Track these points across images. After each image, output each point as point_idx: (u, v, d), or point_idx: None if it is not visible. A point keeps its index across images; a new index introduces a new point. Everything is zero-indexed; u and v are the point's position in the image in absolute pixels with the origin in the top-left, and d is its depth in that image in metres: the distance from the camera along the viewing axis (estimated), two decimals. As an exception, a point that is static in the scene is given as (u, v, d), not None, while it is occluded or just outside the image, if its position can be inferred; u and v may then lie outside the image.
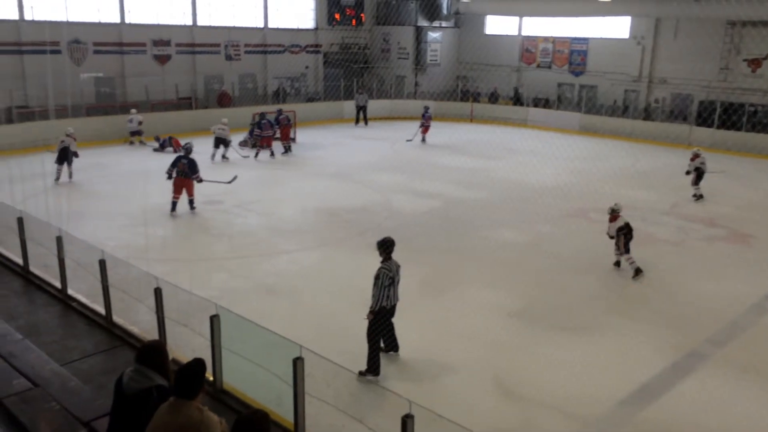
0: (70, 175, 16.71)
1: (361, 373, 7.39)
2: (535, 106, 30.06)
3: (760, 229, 14.21)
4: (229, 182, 15.35)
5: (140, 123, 22.02)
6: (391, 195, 16.36)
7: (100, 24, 24.77)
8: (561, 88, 30.51)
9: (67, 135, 16.55)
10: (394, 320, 7.77)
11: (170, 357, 4.43)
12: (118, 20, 25.22)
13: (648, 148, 23.98)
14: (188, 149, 14.34)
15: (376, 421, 5.36)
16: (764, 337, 9.07)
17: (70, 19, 23.68)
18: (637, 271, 11.05)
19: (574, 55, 30.03)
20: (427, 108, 25.22)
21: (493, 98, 31.18)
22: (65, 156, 16.36)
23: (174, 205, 14.07)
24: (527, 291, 10.48)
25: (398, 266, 7.69)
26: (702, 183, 16.56)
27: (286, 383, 5.65)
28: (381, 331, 7.54)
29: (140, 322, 7.86)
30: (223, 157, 19.94)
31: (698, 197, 16.47)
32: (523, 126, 28.26)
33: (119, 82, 25.31)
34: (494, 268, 11.48)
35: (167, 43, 26.63)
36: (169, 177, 13.99)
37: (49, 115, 20.22)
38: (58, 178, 16.45)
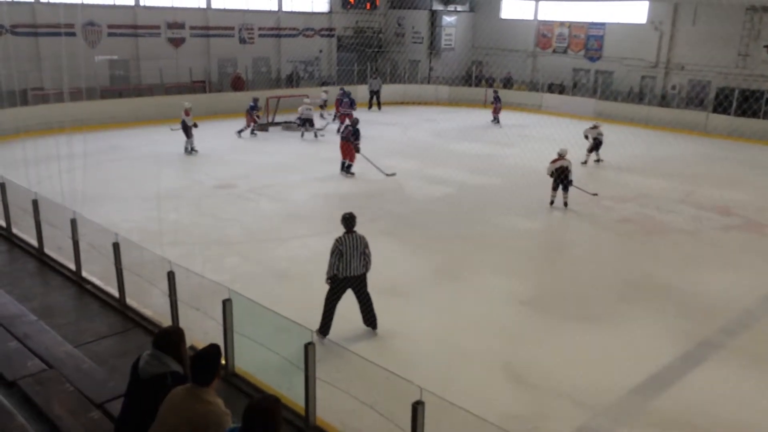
0: (188, 148, 18.54)
1: (315, 331, 7.52)
2: (550, 91, 29.76)
3: (776, 218, 14.05)
4: (387, 174, 16.29)
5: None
6: (403, 181, 16.31)
7: (114, 6, 24.80)
8: (576, 73, 30.17)
9: (184, 111, 18.40)
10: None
11: (188, 344, 4.44)
12: (132, 2, 25.22)
13: (664, 135, 23.72)
14: (356, 120, 17.32)
15: (386, 407, 5.36)
16: (778, 328, 8.99)
17: (85, 1, 23.69)
18: (551, 204, 14.15)
19: (591, 40, 29.63)
20: (495, 91, 25.98)
21: (509, 84, 30.90)
22: (185, 129, 18.41)
23: (342, 165, 16.55)
24: (539, 279, 10.45)
25: (360, 241, 7.85)
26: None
27: (298, 368, 5.68)
28: (335, 298, 7.86)
29: (153, 305, 7.92)
30: (315, 135, 21.45)
31: (598, 161, 18.71)
32: (538, 112, 28.01)
33: (133, 64, 25.36)
34: (506, 255, 11.44)
35: (181, 26, 26.61)
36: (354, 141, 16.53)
37: (64, 97, 20.31)
38: (186, 149, 18.60)
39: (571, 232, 13.40)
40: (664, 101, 27.08)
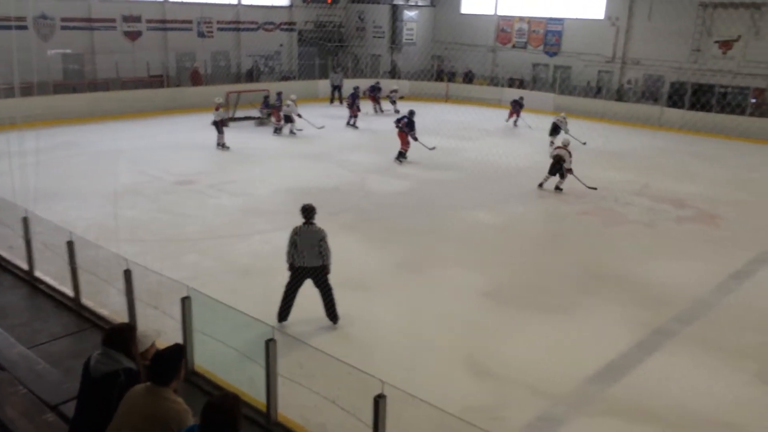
0: (223, 144, 18.56)
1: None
2: (510, 86, 30.08)
3: (727, 209, 14.48)
4: (430, 149, 18.08)
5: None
6: (365, 175, 16.31)
7: (68, -2, 24.14)
8: (536, 68, 30.57)
9: (215, 107, 18.53)
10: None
11: (151, 342, 4.38)
12: (86, -5, 24.60)
13: (620, 129, 24.23)
14: (412, 112, 18.17)
15: (349, 400, 5.38)
16: (728, 316, 9.27)
17: (37, -7, 23.01)
18: (540, 186, 15.30)
19: (549, 35, 30.05)
20: (521, 97, 25.33)
21: (468, 78, 31.14)
22: (217, 125, 18.47)
23: (399, 154, 17.69)
24: (501, 271, 10.56)
25: (315, 234, 7.86)
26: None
27: (259, 364, 5.64)
28: (292, 286, 7.99)
29: (110, 304, 7.77)
30: (291, 131, 21.15)
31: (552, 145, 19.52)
32: (498, 106, 28.22)
33: (88, 58, 24.72)
34: (468, 248, 11.54)
35: (138, 19, 26.04)
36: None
37: (15, 92, 19.67)
38: (222, 145, 18.61)
39: (532, 224, 13.59)
40: (620, 95, 27.63)
